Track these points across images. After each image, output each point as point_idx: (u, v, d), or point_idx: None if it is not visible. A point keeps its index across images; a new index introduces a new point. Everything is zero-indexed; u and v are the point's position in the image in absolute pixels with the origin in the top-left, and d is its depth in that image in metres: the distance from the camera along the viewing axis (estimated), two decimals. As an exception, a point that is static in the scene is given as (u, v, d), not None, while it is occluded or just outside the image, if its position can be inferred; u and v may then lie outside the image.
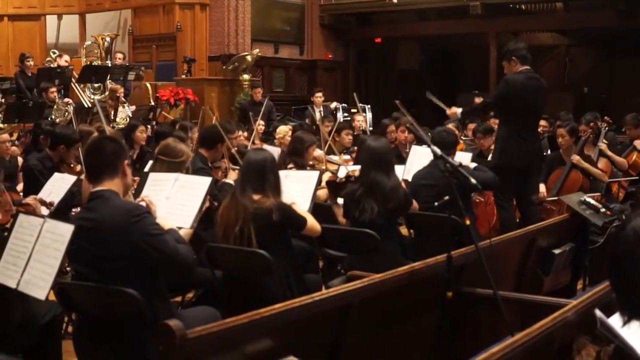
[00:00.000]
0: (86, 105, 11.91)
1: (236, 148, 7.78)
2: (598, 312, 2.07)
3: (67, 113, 11.30)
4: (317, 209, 5.82)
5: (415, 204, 5.38)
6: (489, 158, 7.91)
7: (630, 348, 2.03)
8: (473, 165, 6.13)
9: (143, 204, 3.95)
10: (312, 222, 4.71)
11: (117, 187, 3.63)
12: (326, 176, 6.21)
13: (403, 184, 5.59)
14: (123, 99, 12.28)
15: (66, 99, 11.95)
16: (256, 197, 4.45)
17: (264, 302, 2.98)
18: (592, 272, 5.73)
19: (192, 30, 15.54)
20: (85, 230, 3.51)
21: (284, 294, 4.20)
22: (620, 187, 8.37)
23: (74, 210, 5.86)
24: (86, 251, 3.53)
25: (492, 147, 7.98)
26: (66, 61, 13.46)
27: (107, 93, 12.83)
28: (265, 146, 8.13)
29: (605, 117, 9.09)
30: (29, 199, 5.06)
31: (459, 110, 7.39)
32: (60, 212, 5.46)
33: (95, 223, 3.51)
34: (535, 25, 17.66)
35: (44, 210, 5.32)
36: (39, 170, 6.60)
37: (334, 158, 7.81)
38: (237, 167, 6.91)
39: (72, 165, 6.89)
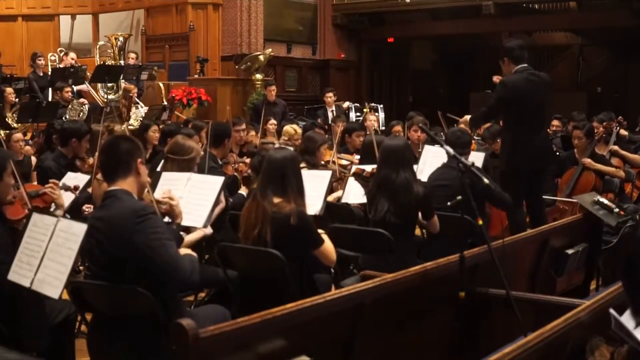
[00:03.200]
0: (101, 105, 11.99)
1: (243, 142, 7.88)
2: (613, 312, 2.06)
3: (81, 113, 11.35)
4: (330, 208, 5.84)
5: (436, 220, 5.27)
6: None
7: None
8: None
9: (166, 201, 3.96)
10: (331, 248, 4.49)
11: (130, 187, 3.63)
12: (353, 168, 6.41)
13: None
14: (136, 99, 12.33)
15: (81, 99, 12.00)
16: (277, 200, 4.34)
17: (275, 302, 2.98)
18: (605, 272, 5.71)
19: (204, 30, 15.56)
20: (96, 229, 3.53)
21: (295, 294, 4.19)
22: (634, 187, 8.33)
23: (86, 207, 5.89)
24: (98, 250, 3.54)
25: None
26: (72, 59, 13.50)
27: (120, 93, 12.89)
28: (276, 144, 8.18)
29: (619, 118, 9.06)
30: (48, 188, 5.03)
31: (467, 117, 7.20)
32: (73, 211, 5.49)
33: (104, 222, 3.53)
34: (549, 25, 17.61)
35: (70, 196, 5.33)
36: (54, 172, 6.63)
37: (345, 157, 7.85)
38: (242, 160, 6.98)
39: (84, 159, 6.96)
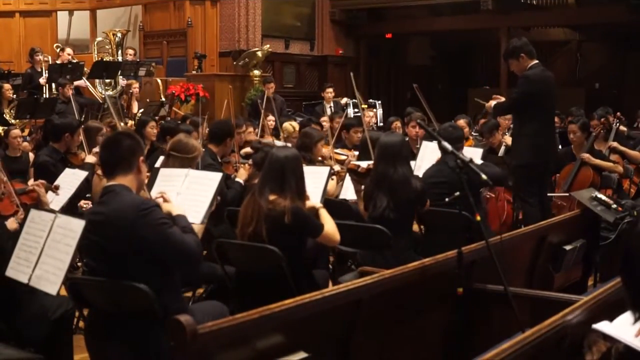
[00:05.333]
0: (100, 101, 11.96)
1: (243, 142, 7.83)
2: (599, 326, 2.09)
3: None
4: (327, 204, 5.83)
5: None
6: (500, 154, 7.90)
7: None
8: (480, 162, 6.11)
9: (160, 200, 3.96)
10: (332, 231, 4.50)
11: (130, 183, 3.63)
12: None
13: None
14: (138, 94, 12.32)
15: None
16: (272, 197, 4.35)
17: (273, 298, 2.98)
18: (603, 268, 5.71)
19: (202, 26, 15.54)
20: (96, 224, 3.53)
21: (292, 290, 4.19)
22: (632, 183, 8.33)
23: (84, 203, 5.90)
24: (97, 246, 3.54)
25: (504, 143, 7.95)
26: (69, 54, 13.46)
27: (118, 88, 12.87)
28: (277, 142, 8.15)
29: (617, 113, 9.06)
30: (33, 185, 5.08)
31: (493, 103, 6.94)
32: (72, 206, 5.50)
33: (104, 217, 3.52)
34: (547, 21, 17.55)
35: (50, 195, 5.35)
36: (52, 164, 6.63)
37: (342, 152, 7.84)
38: (246, 162, 6.94)
39: (76, 153, 6.97)
